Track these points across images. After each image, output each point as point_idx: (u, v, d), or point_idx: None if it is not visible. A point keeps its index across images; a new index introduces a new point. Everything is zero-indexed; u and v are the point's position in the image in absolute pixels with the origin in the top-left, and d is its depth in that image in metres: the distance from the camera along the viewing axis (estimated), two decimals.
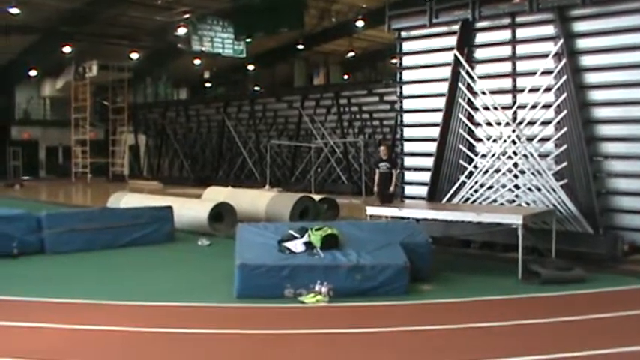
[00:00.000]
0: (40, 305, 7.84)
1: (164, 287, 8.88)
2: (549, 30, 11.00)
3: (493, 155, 11.43)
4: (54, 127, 41.66)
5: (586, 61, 10.67)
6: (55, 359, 5.72)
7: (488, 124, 11.63)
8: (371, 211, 10.83)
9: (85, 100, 37.39)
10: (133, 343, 6.34)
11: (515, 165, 11.22)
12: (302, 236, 8.78)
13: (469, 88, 11.77)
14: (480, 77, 11.69)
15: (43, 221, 11.57)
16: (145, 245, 12.16)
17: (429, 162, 12.19)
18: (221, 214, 14.04)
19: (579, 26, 10.71)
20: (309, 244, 8.65)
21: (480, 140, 11.79)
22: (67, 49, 35.44)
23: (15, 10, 29.53)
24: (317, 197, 15.98)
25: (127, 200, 15.61)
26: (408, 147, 12.99)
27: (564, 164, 10.72)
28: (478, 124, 11.81)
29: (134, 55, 36.87)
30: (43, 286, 9.04)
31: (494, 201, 11.44)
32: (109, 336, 6.54)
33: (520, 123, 11.15)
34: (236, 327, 6.92)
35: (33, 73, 39.40)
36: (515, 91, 11.37)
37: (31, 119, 42.10)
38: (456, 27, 11.99)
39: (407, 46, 12.97)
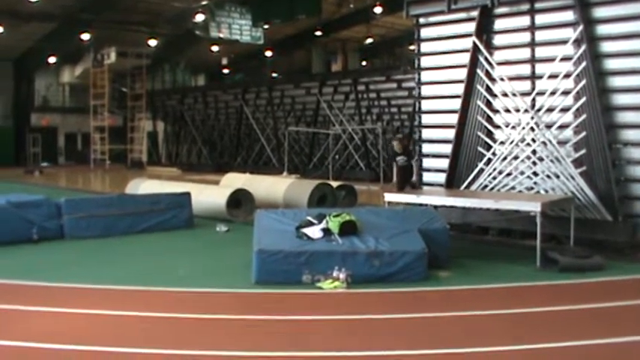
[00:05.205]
0: (60, 290, 7.93)
1: (182, 273, 8.94)
2: (569, 16, 10.89)
3: (512, 142, 11.37)
4: (73, 114, 42.01)
5: (606, 47, 10.56)
6: (74, 344, 5.78)
7: (507, 110, 11.57)
8: (389, 197, 10.84)
9: (103, 86, 37.61)
10: (151, 329, 6.40)
11: (534, 152, 11.17)
12: (320, 222, 8.82)
13: (488, 74, 11.71)
14: (499, 64, 11.62)
15: (62, 207, 11.70)
16: (163, 231, 12.27)
17: (448, 149, 12.15)
18: (239, 200, 14.10)
19: (599, 12, 10.60)
20: (327, 231, 8.68)
21: (498, 127, 11.73)
22: (85, 36, 35.56)
23: None
24: (335, 184, 15.98)
25: (145, 186, 15.72)
26: (426, 133, 12.95)
27: (583, 151, 10.65)
28: (497, 111, 11.75)
29: (152, 42, 36.94)
30: (62, 271, 9.13)
31: (513, 188, 11.39)
32: (127, 321, 6.62)
33: (539, 110, 11.08)
34: (254, 313, 6.95)
35: (52, 60, 39.58)
36: (534, 77, 11.29)
37: (50, 106, 42.33)
38: (474, 13, 11.91)
39: (425, 33, 12.90)
